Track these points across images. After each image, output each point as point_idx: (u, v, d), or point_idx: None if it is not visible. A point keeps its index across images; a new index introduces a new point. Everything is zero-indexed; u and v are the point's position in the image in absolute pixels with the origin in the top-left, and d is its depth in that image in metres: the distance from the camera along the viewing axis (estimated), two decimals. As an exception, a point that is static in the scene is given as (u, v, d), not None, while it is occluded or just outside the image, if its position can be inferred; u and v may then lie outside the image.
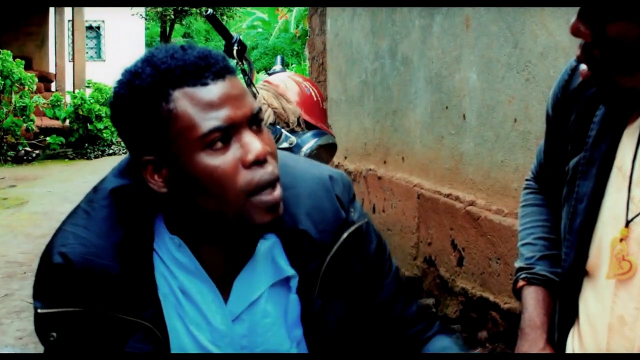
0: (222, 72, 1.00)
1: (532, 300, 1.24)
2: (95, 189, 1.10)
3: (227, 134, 0.99)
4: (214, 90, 0.99)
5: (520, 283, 1.28)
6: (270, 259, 1.10)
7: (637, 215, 1.04)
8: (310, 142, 2.72)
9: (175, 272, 1.08)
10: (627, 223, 1.05)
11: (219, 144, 0.98)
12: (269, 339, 1.10)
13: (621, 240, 1.05)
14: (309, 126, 2.78)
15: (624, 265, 1.04)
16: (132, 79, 1.00)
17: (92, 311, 1.02)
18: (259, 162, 1.00)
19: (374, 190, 4.25)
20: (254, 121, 1.02)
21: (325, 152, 2.83)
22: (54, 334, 1.03)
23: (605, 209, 1.09)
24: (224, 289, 1.09)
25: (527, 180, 1.43)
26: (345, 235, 1.11)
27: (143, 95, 0.99)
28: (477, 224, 3.04)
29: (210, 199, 1.00)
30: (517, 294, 1.29)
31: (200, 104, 0.98)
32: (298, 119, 2.76)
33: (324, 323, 1.11)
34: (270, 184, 1.01)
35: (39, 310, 1.03)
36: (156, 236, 1.08)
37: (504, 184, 2.90)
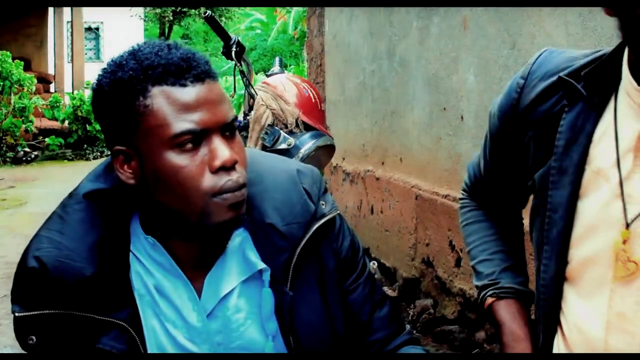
0: (202, 75, 1.02)
1: (508, 314, 1.23)
2: (70, 195, 1.13)
3: (198, 137, 1.00)
4: (191, 92, 1.00)
5: (489, 300, 1.25)
6: (241, 254, 1.11)
7: (638, 216, 1.03)
8: (308, 143, 2.72)
9: (152, 270, 1.09)
10: (628, 225, 1.04)
11: (189, 146, 1.00)
12: (244, 334, 1.11)
13: (624, 242, 1.04)
14: (307, 127, 2.79)
15: (629, 266, 1.03)
16: (115, 69, 1.03)
17: (68, 313, 1.04)
18: (226, 168, 1.01)
19: (372, 191, 4.25)
20: (227, 128, 1.03)
21: (323, 153, 2.83)
22: (33, 337, 1.05)
23: (588, 215, 1.08)
24: (199, 286, 1.11)
25: (461, 199, 1.42)
26: (315, 227, 1.12)
27: (122, 87, 1.01)
28: (475, 224, 3.04)
29: (173, 197, 1.02)
30: (487, 312, 1.26)
31: (176, 104, 0.99)
32: (296, 120, 2.76)
33: (298, 315, 1.11)
34: (235, 191, 1.02)
35: (17, 314, 1.05)
36: (133, 237, 1.10)
37: (502, 185, 2.90)
